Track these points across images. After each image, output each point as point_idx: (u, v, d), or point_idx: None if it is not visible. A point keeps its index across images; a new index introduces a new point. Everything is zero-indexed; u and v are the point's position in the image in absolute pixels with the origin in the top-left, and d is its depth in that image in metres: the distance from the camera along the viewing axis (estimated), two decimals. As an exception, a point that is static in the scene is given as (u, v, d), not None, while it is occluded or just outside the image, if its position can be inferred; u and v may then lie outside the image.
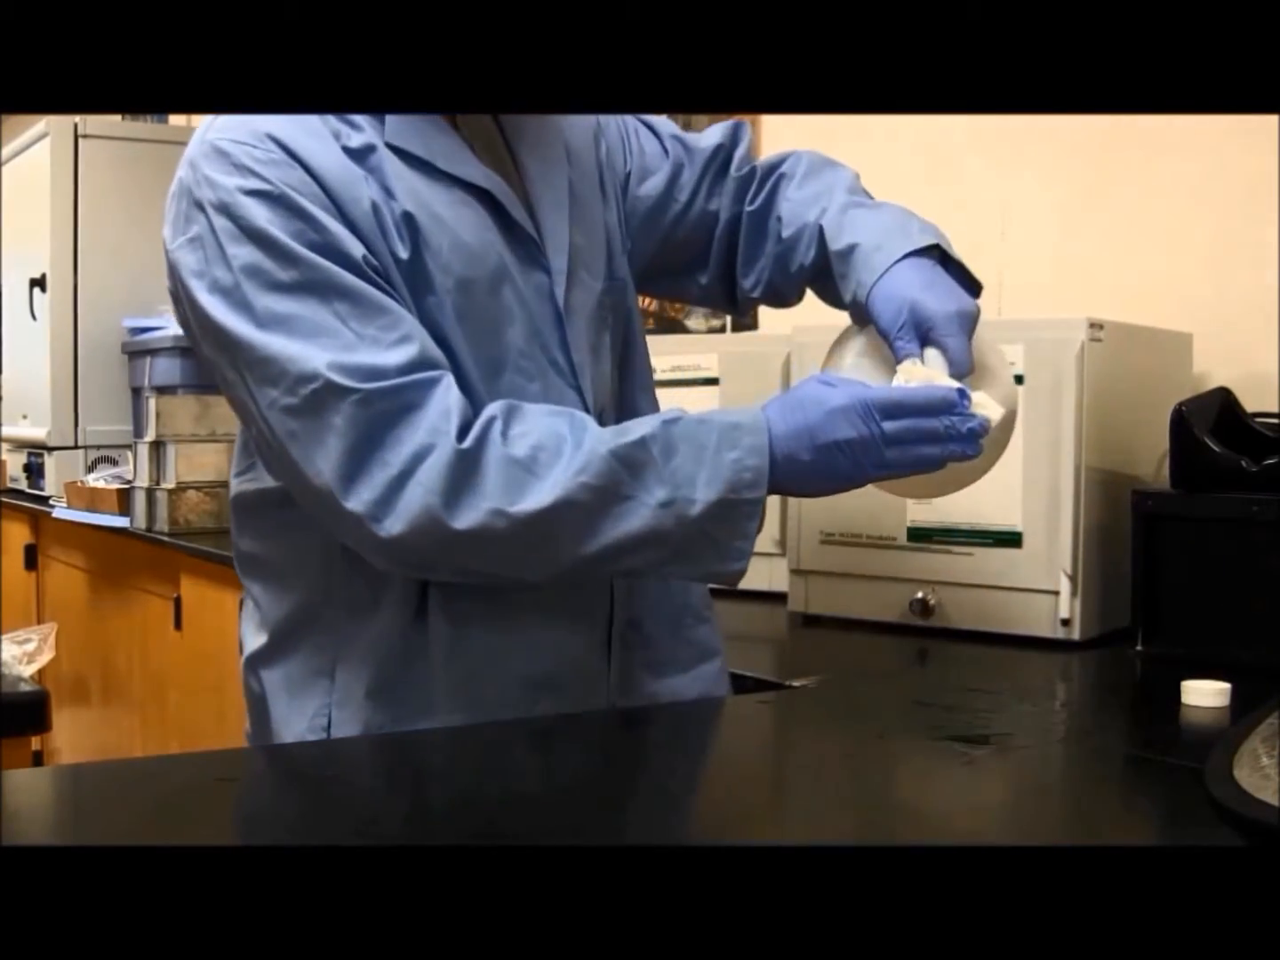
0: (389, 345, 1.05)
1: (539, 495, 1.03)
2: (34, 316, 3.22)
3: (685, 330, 2.60)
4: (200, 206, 1.08)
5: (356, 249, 1.07)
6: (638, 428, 1.07)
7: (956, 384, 1.10)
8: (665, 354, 1.81)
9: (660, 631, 1.26)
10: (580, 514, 1.04)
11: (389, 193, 1.10)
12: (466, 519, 1.03)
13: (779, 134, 2.39)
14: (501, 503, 1.03)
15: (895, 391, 1.09)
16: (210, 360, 1.12)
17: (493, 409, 1.07)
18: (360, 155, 1.11)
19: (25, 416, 3.33)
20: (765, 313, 2.39)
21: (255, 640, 1.22)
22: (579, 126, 1.29)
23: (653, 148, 1.36)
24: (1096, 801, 0.97)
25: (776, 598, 1.77)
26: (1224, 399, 1.52)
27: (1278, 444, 1.44)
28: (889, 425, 1.06)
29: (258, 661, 1.22)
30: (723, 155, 1.38)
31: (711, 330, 2.54)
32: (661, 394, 1.35)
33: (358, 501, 1.03)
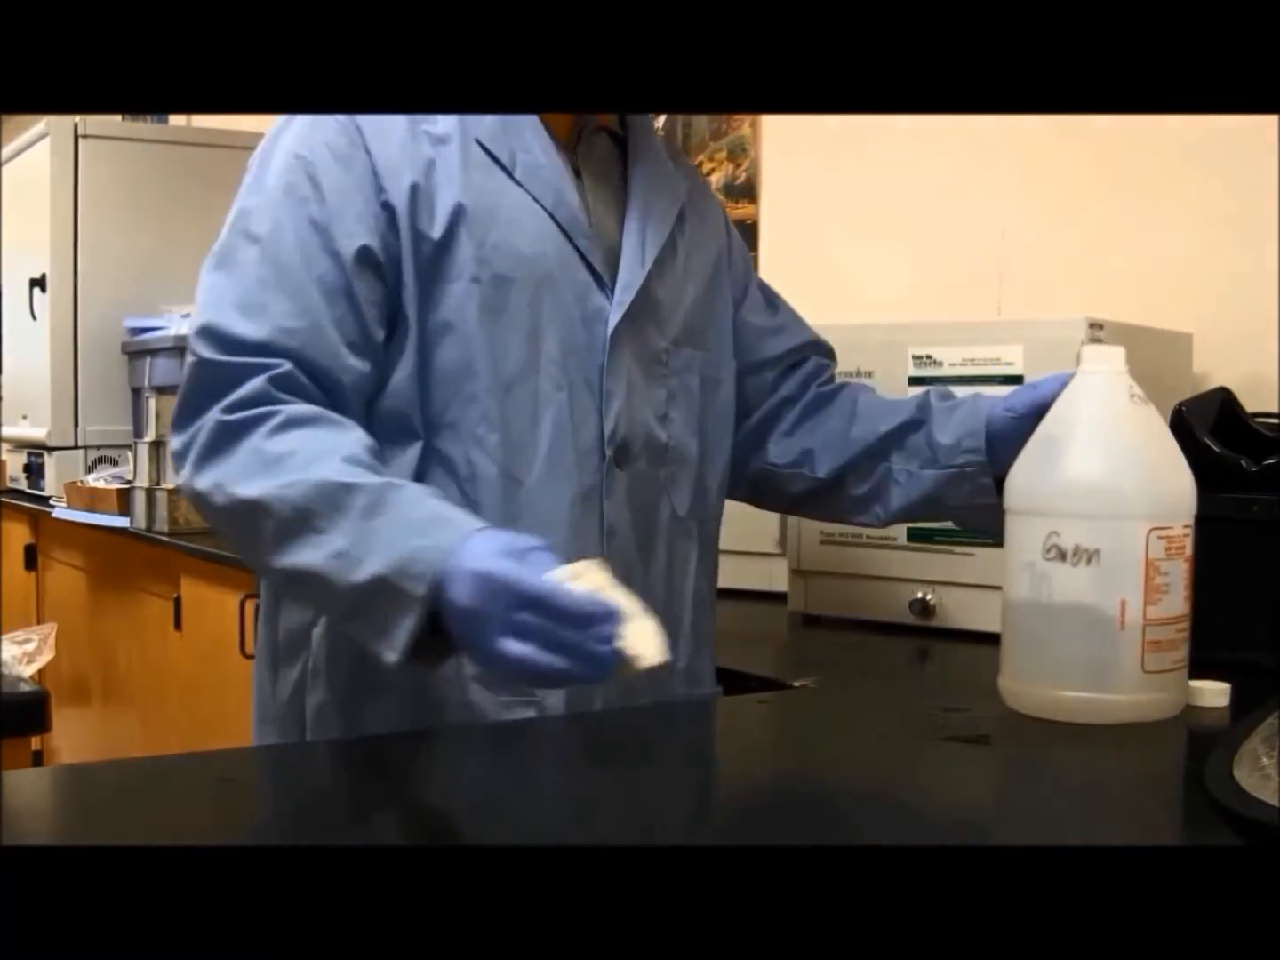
0: (260, 318, 1.13)
1: (251, 488, 1.08)
2: (34, 316, 3.22)
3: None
4: (274, 138, 1.20)
5: (349, 240, 1.14)
6: (365, 475, 1.07)
7: (620, 603, 0.97)
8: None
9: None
10: (272, 523, 1.07)
11: (448, 179, 1.17)
12: (201, 482, 1.11)
13: (779, 134, 2.39)
14: (225, 479, 1.10)
15: (547, 585, 0.98)
16: None
17: (290, 409, 1.11)
18: (436, 140, 1.17)
19: (25, 416, 3.32)
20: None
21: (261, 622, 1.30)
22: (710, 216, 1.38)
23: (759, 299, 1.43)
24: (1097, 802, 0.97)
25: (776, 598, 1.77)
26: (1224, 399, 1.52)
27: (1278, 444, 1.44)
28: (519, 615, 0.96)
29: (258, 636, 1.29)
30: (815, 349, 1.45)
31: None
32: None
33: (174, 443, 1.15)
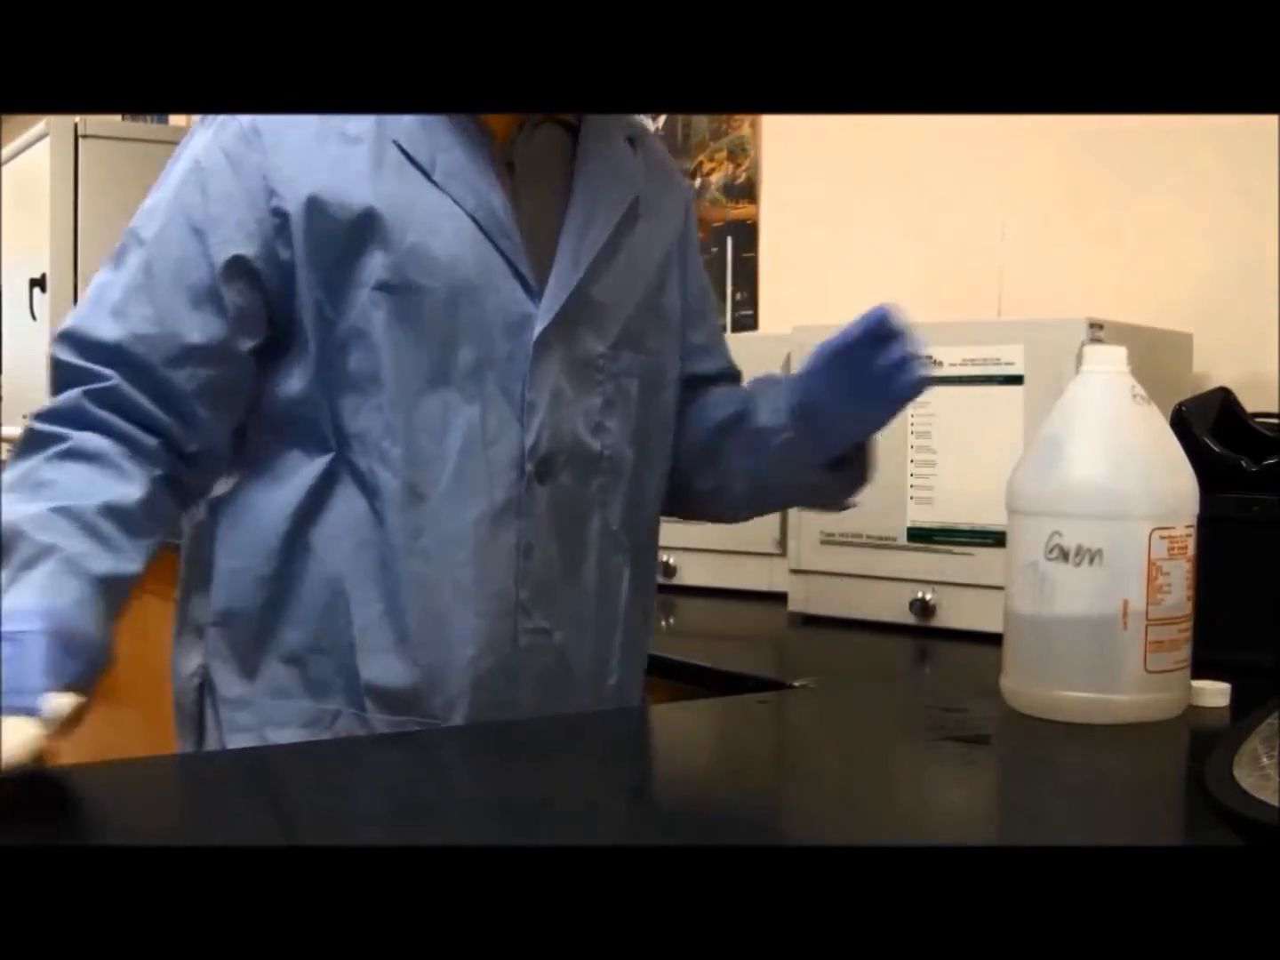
0: (122, 321, 1.13)
1: None
2: (34, 316, 3.22)
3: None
4: (187, 139, 1.20)
5: (222, 248, 1.13)
6: (45, 531, 1.05)
7: (55, 701, 0.97)
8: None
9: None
10: None
11: (358, 181, 1.13)
12: None
13: (779, 134, 2.39)
14: None
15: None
16: None
17: (80, 439, 1.13)
18: (349, 140, 1.15)
19: (25, 416, 3.32)
20: (764, 314, 2.39)
21: None
22: (666, 207, 1.31)
23: (702, 309, 1.38)
24: (1097, 802, 0.97)
25: (776, 598, 1.77)
26: (1224, 399, 1.52)
27: (1278, 444, 1.44)
28: None
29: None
30: (732, 378, 1.41)
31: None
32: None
33: None
